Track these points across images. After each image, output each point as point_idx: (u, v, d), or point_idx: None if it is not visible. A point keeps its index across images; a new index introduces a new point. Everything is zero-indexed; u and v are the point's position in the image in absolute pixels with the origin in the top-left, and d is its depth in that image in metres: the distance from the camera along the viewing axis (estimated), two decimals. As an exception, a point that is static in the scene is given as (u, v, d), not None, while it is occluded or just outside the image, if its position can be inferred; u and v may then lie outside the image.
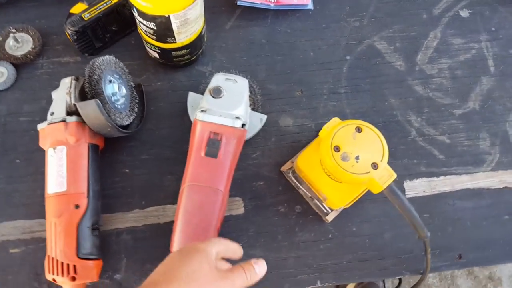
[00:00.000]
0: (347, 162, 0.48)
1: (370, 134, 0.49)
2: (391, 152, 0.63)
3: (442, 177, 0.63)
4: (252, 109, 0.62)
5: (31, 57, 0.65)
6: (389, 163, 0.62)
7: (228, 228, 0.59)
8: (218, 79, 0.55)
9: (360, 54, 0.69)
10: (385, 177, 0.48)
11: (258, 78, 0.67)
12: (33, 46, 0.65)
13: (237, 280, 0.40)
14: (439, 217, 0.61)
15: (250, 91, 0.63)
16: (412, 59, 0.69)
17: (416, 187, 0.62)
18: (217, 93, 0.53)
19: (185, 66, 0.65)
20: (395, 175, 0.49)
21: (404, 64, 0.69)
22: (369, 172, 0.47)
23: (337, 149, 0.48)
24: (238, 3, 0.67)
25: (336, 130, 0.49)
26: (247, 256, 0.56)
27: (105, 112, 0.52)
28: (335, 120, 0.52)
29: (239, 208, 0.60)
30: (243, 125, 0.54)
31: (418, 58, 0.69)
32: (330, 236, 0.60)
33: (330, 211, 0.58)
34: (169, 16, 0.50)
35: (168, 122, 0.63)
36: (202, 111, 0.52)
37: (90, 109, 0.51)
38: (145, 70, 0.66)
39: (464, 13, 0.73)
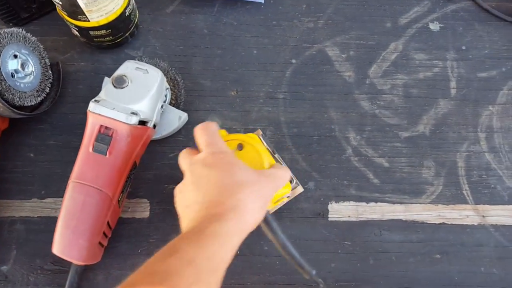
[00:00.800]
0: None
1: (252, 153, 0.43)
2: (321, 169, 0.57)
3: (372, 203, 0.57)
4: (173, 105, 0.56)
5: (-48, 20, 0.60)
6: (316, 180, 0.57)
7: (129, 232, 0.54)
8: (127, 67, 0.49)
9: (307, 59, 0.62)
10: None
11: (192, 71, 0.61)
12: (-45, 9, 0.60)
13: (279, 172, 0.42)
14: (362, 246, 0.55)
15: (174, 85, 0.57)
16: (363, 71, 0.62)
17: (342, 211, 0.56)
18: (119, 82, 0.47)
19: (110, 48, 0.59)
20: (269, 206, 0.43)
21: (354, 75, 0.62)
22: None
23: None
24: (176, -14, 0.60)
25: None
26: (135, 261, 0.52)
27: (-7, 90, 0.47)
28: (222, 132, 0.46)
29: (144, 211, 0.55)
30: (144, 122, 0.48)
31: (371, 71, 0.62)
32: (238, 252, 0.54)
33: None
34: (67, -11, 0.44)
35: (83, 107, 0.57)
36: (95, 101, 0.46)
37: (-24, 85, 0.46)
38: (70, 48, 0.61)
39: (434, 26, 0.66)
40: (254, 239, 0.54)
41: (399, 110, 0.61)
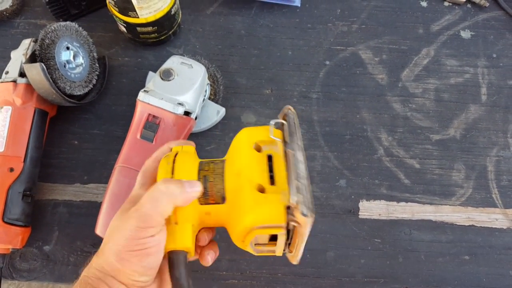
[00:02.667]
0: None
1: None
2: (353, 167, 0.58)
3: (402, 203, 0.57)
4: (212, 100, 0.58)
5: (8, 14, 0.63)
6: (348, 178, 0.58)
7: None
8: (173, 61, 0.52)
9: (341, 61, 0.64)
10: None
11: (229, 69, 0.63)
12: (11, 4, 0.63)
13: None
14: (391, 244, 0.56)
15: (213, 80, 0.59)
16: (396, 74, 0.63)
17: (372, 209, 0.57)
18: (166, 75, 0.50)
19: (154, 45, 0.62)
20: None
21: (387, 78, 0.63)
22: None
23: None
24: (219, -12, 0.63)
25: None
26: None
27: (49, 77, 0.49)
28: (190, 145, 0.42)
29: (181, 199, 0.56)
30: (188, 113, 0.50)
31: (404, 74, 0.63)
32: (270, 244, 0.55)
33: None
34: (124, -14, 0.47)
35: (126, 100, 0.60)
36: (145, 91, 0.49)
37: (34, 72, 0.49)
38: (115, 44, 0.63)
39: (466, 34, 0.67)
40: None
41: (430, 113, 0.62)
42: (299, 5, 0.66)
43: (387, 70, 0.63)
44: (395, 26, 0.66)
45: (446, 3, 0.68)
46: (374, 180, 0.58)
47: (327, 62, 0.64)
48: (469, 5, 0.68)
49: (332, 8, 0.67)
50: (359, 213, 0.56)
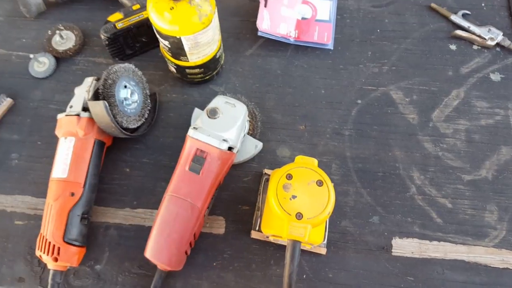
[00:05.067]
0: (284, 192, 0.46)
1: (324, 193, 0.47)
2: (385, 204, 0.60)
3: (435, 242, 0.58)
4: (250, 134, 0.62)
5: (71, 53, 0.71)
6: (380, 215, 0.59)
7: (205, 246, 0.58)
8: (218, 101, 0.56)
9: (372, 100, 0.67)
10: (298, 231, 0.45)
11: (266, 106, 0.67)
12: (74, 44, 0.71)
13: None
14: (424, 283, 0.56)
15: (251, 117, 0.63)
16: (427, 114, 0.66)
17: (405, 247, 0.58)
18: (212, 113, 0.54)
19: (199, 83, 0.67)
20: (305, 240, 0.46)
21: (418, 117, 0.65)
22: (290, 215, 0.45)
23: (289, 176, 0.47)
24: (259, 33, 0.68)
25: (306, 164, 0.48)
26: (218, 278, 0.57)
27: (110, 113, 0.55)
28: (312, 159, 0.50)
29: (220, 227, 0.60)
30: (231, 148, 0.54)
31: (434, 115, 0.66)
32: (304, 276, 0.57)
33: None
34: (180, 37, 0.53)
35: (173, 132, 0.65)
36: (194, 128, 0.53)
37: (98, 108, 0.55)
38: (164, 82, 0.69)
39: (495, 77, 0.68)
40: (320, 265, 0.57)
41: (461, 153, 0.63)
42: (332, 48, 0.70)
43: (418, 110, 0.66)
44: (425, 68, 0.69)
45: (475, 47, 0.71)
46: (407, 218, 0.59)
47: (359, 101, 0.67)
48: (498, 49, 0.70)
49: (364, 50, 0.71)
50: (392, 250, 0.58)
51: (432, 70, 0.69)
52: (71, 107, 0.60)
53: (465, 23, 0.71)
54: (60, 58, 0.71)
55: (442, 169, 0.62)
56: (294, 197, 0.46)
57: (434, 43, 0.71)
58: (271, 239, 0.56)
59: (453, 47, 0.70)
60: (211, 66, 0.63)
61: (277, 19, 0.68)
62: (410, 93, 0.67)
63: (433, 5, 0.73)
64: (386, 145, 0.63)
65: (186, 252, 0.53)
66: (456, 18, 0.71)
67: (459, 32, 0.70)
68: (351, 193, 0.60)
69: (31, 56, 0.70)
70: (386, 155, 0.63)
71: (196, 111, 0.64)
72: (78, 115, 0.59)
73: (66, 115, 0.59)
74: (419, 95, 0.67)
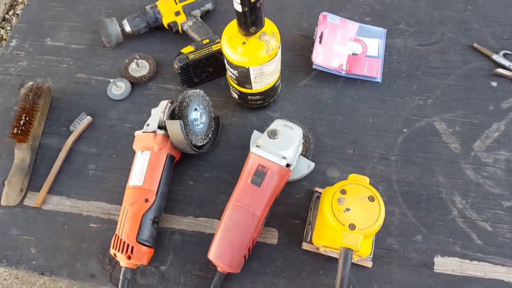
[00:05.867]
0: (339, 205, 0.55)
1: (375, 207, 0.55)
2: (428, 225, 0.67)
3: (475, 262, 0.64)
4: (303, 155, 0.72)
5: (145, 79, 0.85)
6: (424, 235, 0.67)
7: (260, 254, 0.68)
8: (277, 124, 0.67)
9: (417, 130, 0.76)
10: (351, 240, 0.54)
11: (317, 131, 0.77)
12: (148, 72, 0.85)
13: None
14: (465, 301, 0.63)
15: (305, 140, 0.73)
16: (468, 144, 0.74)
17: (447, 264, 0.65)
18: (273, 134, 0.65)
19: (257, 109, 0.79)
20: (356, 249, 0.54)
21: (460, 147, 0.74)
22: (344, 225, 0.54)
23: (343, 192, 0.56)
24: (313, 66, 0.80)
25: (358, 181, 0.57)
26: (271, 284, 0.65)
27: (184, 132, 0.67)
28: (364, 177, 0.59)
29: (273, 238, 0.69)
30: (288, 165, 0.64)
31: (476, 145, 0.74)
32: (351, 287, 0.65)
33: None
34: (248, 68, 0.65)
35: (233, 151, 0.77)
36: (257, 146, 0.64)
37: (174, 127, 0.67)
38: (226, 107, 0.81)
39: (536, 112, 0.76)
40: (366, 277, 0.65)
41: (501, 181, 0.70)
42: (380, 81, 0.80)
43: (460, 140, 0.74)
44: (467, 102, 0.78)
45: (516, 84, 0.79)
46: (448, 238, 0.66)
47: (405, 130, 0.76)
48: (539, 86, 0.78)
49: (410, 84, 0.80)
50: (434, 267, 0.65)
51: (474, 104, 0.77)
52: (148, 125, 0.73)
53: (506, 62, 0.79)
54: (135, 83, 0.85)
55: (483, 195, 0.69)
56: (347, 209, 0.55)
57: (476, 79, 0.80)
58: (321, 250, 0.65)
59: (494, 84, 0.79)
60: (270, 93, 0.74)
61: (330, 54, 0.80)
62: (453, 124, 0.75)
63: (475, 45, 0.83)
64: (430, 171, 0.72)
65: (245, 257, 0.63)
66: (497, 58, 0.80)
67: (500, 70, 0.79)
68: (396, 213, 0.68)
69: (111, 80, 0.85)
70: (429, 180, 0.71)
71: (255, 133, 0.75)
72: (154, 132, 0.71)
73: (143, 132, 0.72)
74: (461, 127, 0.75)
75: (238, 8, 0.58)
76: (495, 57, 0.81)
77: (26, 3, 1.50)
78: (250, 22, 0.61)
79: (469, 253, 0.65)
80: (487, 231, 0.67)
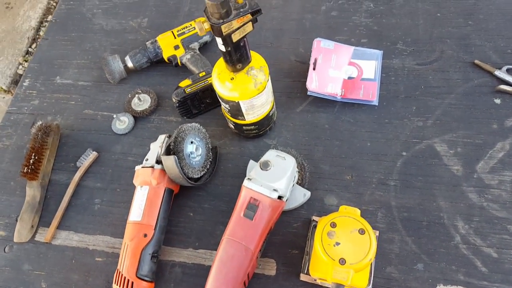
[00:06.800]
0: (329, 238, 0.55)
1: (365, 240, 0.55)
2: (430, 252, 0.66)
3: (481, 292, 0.62)
4: (299, 184, 0.73)
5: (147, 113, 0.88)
6: (425, 263, 0.65)
7: (258, 286, 0.68)
8: (270, 154, 0.68)
9: (417, 152, 0.75)
10: (341, 275, 0.53)
11: (314, 157, 0.77)
12: (150, 105, 0.88)
13: None
14: (471, 333, 0.60)
15: (300, 168, 0.74)
16: (471, 166, 0.72)
17: (450, 295, 0.63)
18: (265, 166, 0.66)
19: (254, 137, 0.80)
20: (347, 284, 0.53)
21: (462, 169, 0.72)
22: (334, 260, 0.54)
23: (333, 225, 0.55)
24: (308, 93, 0.80)
25: (349, 214, 0.57)
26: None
27: (179, 166, 0.69)
28: (355, 209, 0.59)
29: (271, 269, 0.69)
30: (280, 197, 0.64)
31: (479, 166, 0.72)
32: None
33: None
34: (238, 102, 0.66)
35: (231, 181, 0.78)
36: (248, 179, 0.65)
37: (169, 162, 0.69)
38: (224, 136, 0.83)
39: (544, 128, 0.73)
40: None
41: (507, 204, 0.68)
42: (377, 104, 0.80)
43: (462, 162, 0.72)
44: (469, 121, 0.76)
45: (521, 99, 0.77)
46: (451, 266, 0.64)
47: (404, 153, 0.75)
48: (546, 101, 0.76)
49: (408, 105, 0.80)
50: (436, 297, 0.63)
51: (476, 123, 0.75)
52: (146, 160, 0.75)
53: (509, 78, 0.77)
54: (138, 117, 0.89)
55: (487, 219, 0.67)
56: (337, 243, 0.55)
57: (478, 97, 0.78)
58: (319, 282, 0.64)
59: (497, 101, 0.77)
60: (264, 123, 0.75)
61: (325, 80, 0.81)
62: (455, 145, 0.74)
63: (477, 61, 0.81)
64: (430, 195, 0.70)
65: (240, 290, 0.63)
66: (500, 73, 0.78)
67: (503, 87, 0.77)
68: (396, 240, 0.67)
69: (114, 116, 0.88)
70: (430, 205, 0.69)
71: (251, 162, 0.76)
72: (152, 167, 0.73)
73: (142, 167, 0.74)
74: (463, 148, 0.73)
75: (222, 48, 0.60)
76: (497, 73, 0.79)
77: (38, 40, 1.59)
78: (235, 59, 0.62)
79: (473, 281, 0.63)
80: (492, 257, 0.64)
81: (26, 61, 1.76)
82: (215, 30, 0.58)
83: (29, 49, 1.80)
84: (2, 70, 1.73)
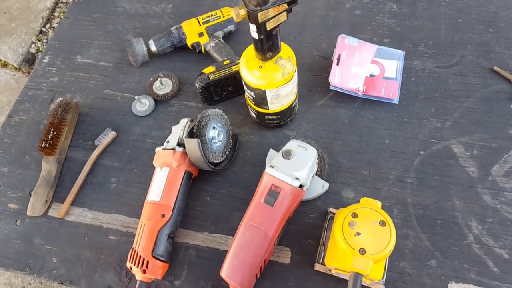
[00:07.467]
0: (350, 228, 0.56)
1: (386, 232, 0.56)
2: (443, 250, 0.67)
3: (492, 290, 0.64)
4: (318, 175, 0.74)
5: (168, 97, 0.89)
6: (438, 260, 0.66)
7: (272, 273, 0.69)
8: (292, 144, 0.69)
9: (434, 152, 0.76)
10: (360, 265, 0.54)
11: (333, 151, 0.79)
12: (171, 90, 0.89)
13: None
14: (480, 330, 0.62)
15: (320, 160, 0.75)
16: (486, 169, 0.73)
17: (461, 292, 0.64)
18: (287, 155, 0.67)
19: (275, 128, 0.81)
20: (366, 274, 0.54)
21: (478, 171, 0.73)
22: (354, 250, 0.55)
23: (354, 215, 0.57)
24: (331, 87, 0.82)
25: (370, 205, 0.58)
26: (280, 301, 0.66)
27: (202, 150, 0.70)
28: (376, 201, 0.60)
29: (286, 257, 0.70)
30: (301, 186, 0.65)
31: (494, 169, 0.73)
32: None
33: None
34: (265, 90, 0.67)
35: (249, 169, 0.79)
36: (271, 166, 0.66)
37: (192, 145, 0.70)
38: (244, 124, 0.84)
39: (559, 137, 0.75)
40: None
41: (521, 208, 0.69)
42: (397, 103, 0.81)
43: (478, 164, 0.74)
44: (486, 126, 0.77)
45: (538, 107, 0.78)
46: (464, 264, 0.66)
47: (421, 152, 0.76)
48: None
49: (427, 106, 0.81)
50: (448, 293, 0.64)
51: (493, 128, 0.77)
52: (168, 142, 0.76)
53: (527, 85, 0.79)
54: (159, 101, 0.89)
55: (500, 221, 0.68)
56: (358, 234, 0.56)
57: (496, 103, 0.79)
58: (333, 272, 0.65)
59: (514, 107, 0.79)
60: (286, 113, 0.76)
61: (347, 76, 0.82)
62: (471, 148, 0.75)
63: (496, 68, 0.83)
64: (446, 194, 0.72)
65: (256, 276, 0.64)
66: (518, 80, 0.80)
67: (521, 94, 0.78)
68: (410, 236, 0.69)
69: (136, 97, 0.89)
70: (445, 204, 0.71)
71: (271, 151, 0.77)
72: (173, 149, 0.74)
73: (163, 149, 0.75)
74: (479, 150, 0.75)
75: (255, 35, 0.61)
76: (516, 80, 0.80)
77: (61, 17, 1.59)
78: (266, 48, 0.63)
79: (485, 281, 0.64)
80: (504, 258, 0.66)
81: (39, 40, 1.76)
82: (251, 17, 0.59)
83: (43, 29, 1.80)
84: (15, 48, 1.73)
